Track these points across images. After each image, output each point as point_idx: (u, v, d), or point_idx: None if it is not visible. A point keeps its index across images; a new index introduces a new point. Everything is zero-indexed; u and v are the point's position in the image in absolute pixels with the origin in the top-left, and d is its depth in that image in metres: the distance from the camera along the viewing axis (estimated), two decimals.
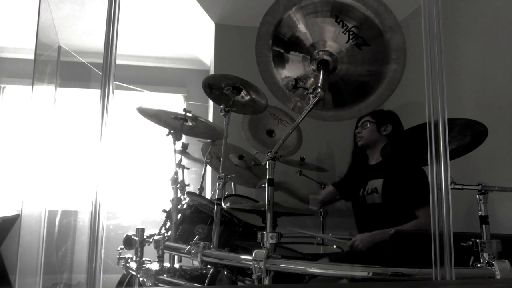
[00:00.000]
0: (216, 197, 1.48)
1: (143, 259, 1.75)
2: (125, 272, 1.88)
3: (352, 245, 1.89)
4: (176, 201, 1.81)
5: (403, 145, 1.54)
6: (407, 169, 1.96)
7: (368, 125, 2.16)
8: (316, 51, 1.37)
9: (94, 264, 0.98)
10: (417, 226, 1.86)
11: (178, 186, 1.83)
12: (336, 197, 2.38)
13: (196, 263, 1.37)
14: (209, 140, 2.37)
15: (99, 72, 1.07)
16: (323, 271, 1.15)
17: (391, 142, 1.93)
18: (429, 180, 0.97)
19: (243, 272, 1.57)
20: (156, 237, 1.65)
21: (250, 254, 1.14)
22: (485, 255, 1.07)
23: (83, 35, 3.51)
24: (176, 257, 1.79)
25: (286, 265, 1.14)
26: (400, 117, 2.21)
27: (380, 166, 2.13)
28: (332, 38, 1.35)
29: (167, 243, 1.63)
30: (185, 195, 1.92)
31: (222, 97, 1.72)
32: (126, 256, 1.82)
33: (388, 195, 2.01)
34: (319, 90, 1.25)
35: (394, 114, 2.20)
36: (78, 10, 3.16)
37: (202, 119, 2.18)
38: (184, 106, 2.06)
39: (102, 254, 0.99)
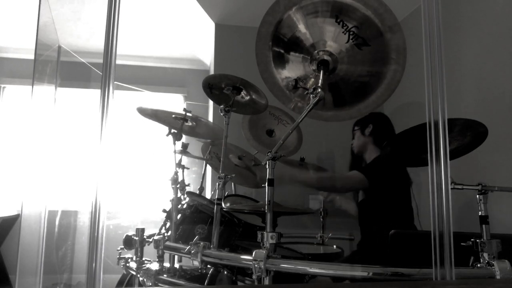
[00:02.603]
0: (216, 197, 1.48)
1: (143, 259, 1.75)
2: (125, 272, 1.88)
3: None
4: (176, 201, 1.80)
5: (400, 143, 1.56)
6: (380, 163, 2.05)
7: (356, 134, 2.29)
8: (316, 51, 1.37)
9: (94, 264, 0.98)
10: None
11: (178, 186, 1.83)
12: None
13: (196, 263, 1.37)
14: (209, 140, 2.37)
15: (99, 72, 1.07)
16: (323, 271, 1.15)
17: (391, 142, 1.94)
18: (429, 180, 0.97)
19: (243, 272, 1.57)
20: (156, 237, 1.65)
21: (250, 254, 1.14)
22: (485, 255, 1.07)
23: (83, 35, 3.51)
24: (176, 257, 1.78)
25: (286, 265, 1.14)
26: (400, 117, 2.23)
27: (367, 166, 2.21)
28: (332, 38, 1.35)
29: (167, 243, 1.63)
30: (185, 195, 1.92)
31: (222, 97, 1.72)
32: (126, 256, 1.82)
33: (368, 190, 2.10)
34: (319, 90, 1.25)
35: (374, 113, 2.26)
36: (78, 10, 3.16)
37: (202, 119, 2.18)
38: (184, 106, 2.06)
39: (102, 254, 0.99)
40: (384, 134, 2.20)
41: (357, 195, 2.25)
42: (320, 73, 1.33)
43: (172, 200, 1.80)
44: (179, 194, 1.84)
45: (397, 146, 1.71)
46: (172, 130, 1.94)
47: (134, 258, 1.77)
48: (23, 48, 3.83)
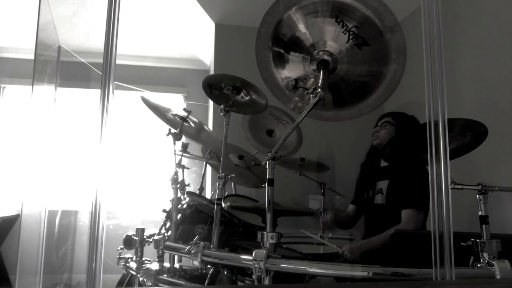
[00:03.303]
0: (216, 197, 1.48)
1: (143, 259, 1.75)
2: (125, 272, 1.88)
3: (342, 254, 1.91)
4: (176, 201, 1.80)
5: (405, 145, 1.54)
6: (410, 170, 1.95)
7: (388, 127, 2.11)
8: (316, 51, 1.37)
9: (94, 264, 0.98)
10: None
11: (178, 186, 1.83)
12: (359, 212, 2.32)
13: (196, 263, 1.37)
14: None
15: (99, 72, 1.07)
16: (323, 271, 1.15)
17: (391, 142, 1.92)
18: (429, 180, 0.97)
19: (243, 272, 1.57)
20: (156, 237, 1.65)
21: (250, 254, 1.14)
22: (485, 255, 1.07)
23: (83, 35, 3.51)
24: (176, 257, 1.78)
25: (286, 265, 1.14)
26: None
27: (388, 168, 2.13)
28: (332, 38, 1.35)
29: (167, 243, 1.63)
30: (185, 195, 1.92)
31: (222, 97, 1.72)
32: (126, 256, 1.82)
33: (391, 196, 2.01)
34: (319, 90, 1.25)
35: (416, 120, 2.13)
36: (78, 10, 3.15)
37: (205, 128, 2.19)
38: (184, 106, 2.06)
39: (102, 254, 0.99)
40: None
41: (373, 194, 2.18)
42: (320, 73, 1.33)
43: (172, 200, 1.80)
44: (179, 194, 1.84)
45: (397, 147, 1.70)
46: (172, 130, 1.94)
47: (134, 258, 1.77)
48: (23, 48, 3.83)
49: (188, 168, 2.03)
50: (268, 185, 1.20)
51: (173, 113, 2.04)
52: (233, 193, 2.58)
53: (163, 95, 4.19)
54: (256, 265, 1.11)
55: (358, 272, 1.07)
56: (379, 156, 2.16)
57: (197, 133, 2.23)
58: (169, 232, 1.78)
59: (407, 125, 2.09)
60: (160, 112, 2.04)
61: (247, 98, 1.77)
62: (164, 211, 1.93)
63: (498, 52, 2.23)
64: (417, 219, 1.88)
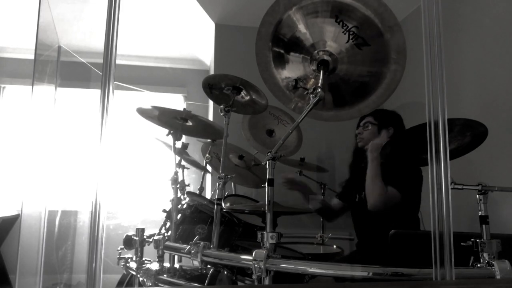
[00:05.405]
0: (216, 197, 1.48)
1: (143, 259, 1.75)
2: (125, 272, 1.88)
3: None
4: (176, 201, 1.81)
5: (402, 146, 1.54)
6: (402, 172, 1.95)
7: (370, 127, 2.10)
8: (316, 51, 1.37)
9: (94, 264, 0.98)
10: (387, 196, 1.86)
11: (178, 186, 1.83)
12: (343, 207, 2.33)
13: (196, 263, 1.37)
14: (209, 140, 2.37)
15: (99, 72, 1.07)
16: (323, 271, 1.15)
17: (392, 142, 1.91)
18: (429, 180, 0.97)
19: (243, 272, 1.57)
20: (156, 237, 1.65)
21: (250, 254, 1.14)
22: (485, 255, 1.07)
23: (83, 35, 3.51)
24: (176, 257, 1.78)
25: (286, 265, 1.14)
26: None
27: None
28: (332, 38, 1.35)
29: (167, 243, 1.63)
30: (185, 195, 1.92)
31: (222, 97, 1.72)
32: (126, 256, 1.82)
33: None
34: (319, 90, 1.25)
35: (397, 115, 2.14)
36: (78, 10, 3.16)
37: (201, 118, 2.18)
38: (184, 106, 2.06)
39: (102, 254, 0.99)
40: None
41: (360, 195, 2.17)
42: (320, 73, 1.33)
43: (172, 200, 1.80)
44: (179, 194, 1.84)
45: (397, 147, 1.70)
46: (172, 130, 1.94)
47: (134, 258, 1.77)
48: (23, 48, 3.83)
49: (188, 168, 2.03)
50: (268, 185, 1.20)
51: (174, 116, 2.03)
52: (233, 193, 2.58)
53: (163, 95, 4.19)
54: (256, 265, 1.11)
55: (358, 272, 1.07)
56: (383, 155, 2.14)
57: (196, 127, 2.21)
58: (169, 232, 1.79)
59: (389, 121, 2.10)
60: (159, 121, 2.03)
61: (247, 98, 1.77)
62: (164, 211, 1.93)
63: (498, 52, 2.23)
64: (396, 200, 1.86)
